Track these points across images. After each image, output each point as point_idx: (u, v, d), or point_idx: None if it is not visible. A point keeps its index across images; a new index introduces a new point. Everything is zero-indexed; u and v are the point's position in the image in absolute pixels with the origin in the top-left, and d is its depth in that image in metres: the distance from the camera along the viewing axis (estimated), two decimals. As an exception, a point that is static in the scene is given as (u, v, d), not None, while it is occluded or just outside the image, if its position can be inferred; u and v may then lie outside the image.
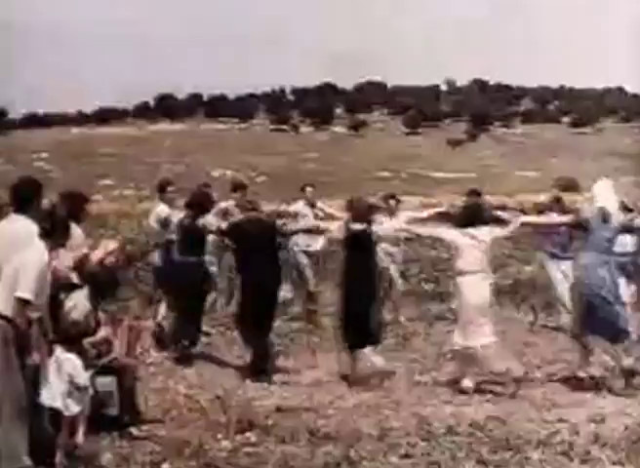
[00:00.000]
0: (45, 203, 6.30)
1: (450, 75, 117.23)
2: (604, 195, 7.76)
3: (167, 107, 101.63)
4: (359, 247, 8.17)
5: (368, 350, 8.11)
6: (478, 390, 7.71)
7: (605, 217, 7.66)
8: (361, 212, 8.31)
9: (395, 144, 75.04)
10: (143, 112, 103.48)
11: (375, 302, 8.29)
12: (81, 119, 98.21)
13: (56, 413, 5.68)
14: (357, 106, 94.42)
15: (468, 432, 6.33)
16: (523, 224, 8.40)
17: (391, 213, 10.69)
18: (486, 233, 7.82)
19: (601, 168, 58.67)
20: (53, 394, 5.66)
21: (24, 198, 5.94)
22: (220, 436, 6.28)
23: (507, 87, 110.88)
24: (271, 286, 8.54)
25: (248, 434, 6.34)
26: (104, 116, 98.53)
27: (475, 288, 7.68)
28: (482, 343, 7.68)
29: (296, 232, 9.82)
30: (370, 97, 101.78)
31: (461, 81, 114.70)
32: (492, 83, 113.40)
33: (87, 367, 5.95)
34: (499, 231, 8.00)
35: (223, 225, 8.83)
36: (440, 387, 7.93)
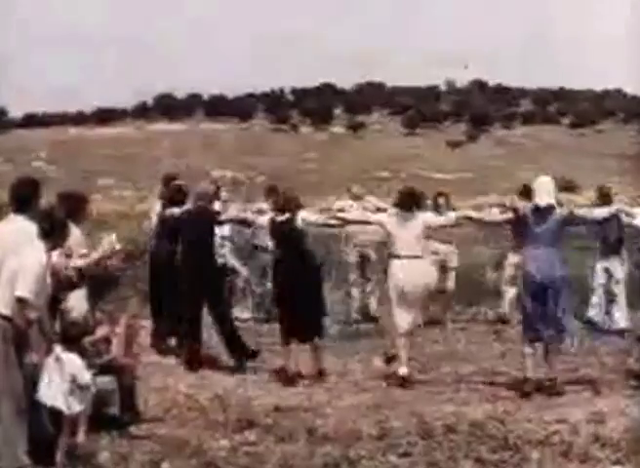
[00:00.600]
0: (44, 203, 6.30)
1: (450, 76, 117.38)
2: (542, 191, 7.77)
3: (166, 107, 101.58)
4: (285, 239, 8.20)
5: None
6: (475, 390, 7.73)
7: (542, 213, 7.64)
8: (285, 202, 8.32)
9: (394, 145, 75.02)
10: (142, 112, 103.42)
11: (311, 295, 8.15)
12: (80, 119, 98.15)
13: (56, 413, 5.67)
14: (356, 107, 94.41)
15: (468, 431, 6.33)
16: (460, 218, 8.48)
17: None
18: (419, 220, 7.99)
19: (600, 169, 58.71)
20: (53, 393, 5.65)
21: (23, 198, 5.95)
22: (219, 435, 6.28)
23: (507, 88, 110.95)
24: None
25: (247, 433, 6.34)
26: (103, 116, 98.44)
27: (407, 271, 7.86)
28: (406, 329, 7.94)
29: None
30: (369, 97, 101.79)
31: (461, 82, 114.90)
32: (491, 84, 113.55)
33: (87, 366, 5.95)
34: (432, 220, 8.19)
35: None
36: (439, 386, 7.93)
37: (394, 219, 8.07)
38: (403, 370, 7.91)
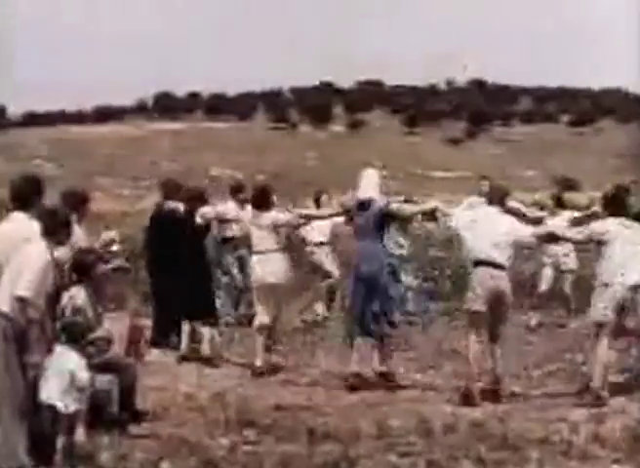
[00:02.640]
0: (45, 201, 6.29)
1: (449, 75, 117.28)
2: (365, 184, 7.92)
3: (165, 106, 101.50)
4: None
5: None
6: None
7: (365, 206, 7.79)
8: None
9: (394, 144, 74.97)
10: (142, 110, 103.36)
11: (201, 282, 8.58)
12: (80, 117, 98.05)
13: (54, 412, 5.67)
14: (356, 105, 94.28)
15: (467, 431, 6.34)
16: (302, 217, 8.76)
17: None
18: (269, 217, 8.34)
19: (600, 167, 58.69)
20: (50, 392, 5.64)
21: (24, 196, 5.94)
22: (218, 434, 6.28)
23: (506, 86, 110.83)
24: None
25: (247, 432, 6.34)
26: (103, 114, 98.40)
27: (261, 265, 8.26)
28: (262, 322, 8.28)
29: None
30: (369, 96, 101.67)
31: (460, 81, 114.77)
32: (490, 82, 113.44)
33: (87, 365, 5.94)
34: (277, 217, 8.43)
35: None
36: (439, 386, 7.93)
37: (250, 216, 8.50)
38: (258, 362, 8.23)
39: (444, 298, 11.80)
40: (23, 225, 5.77)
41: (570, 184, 41.34)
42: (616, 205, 7.48)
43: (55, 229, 5.68)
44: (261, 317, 8.36)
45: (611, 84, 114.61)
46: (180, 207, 8.88)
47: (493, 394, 7.42)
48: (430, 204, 8.39)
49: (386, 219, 7.93)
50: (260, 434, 6.31)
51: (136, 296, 11.18)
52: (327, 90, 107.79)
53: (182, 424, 6.52)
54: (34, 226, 5.67)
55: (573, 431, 6.31)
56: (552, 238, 7.91)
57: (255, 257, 8.41)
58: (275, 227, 8.35)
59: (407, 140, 79.04)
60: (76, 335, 5.87)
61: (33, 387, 5.60)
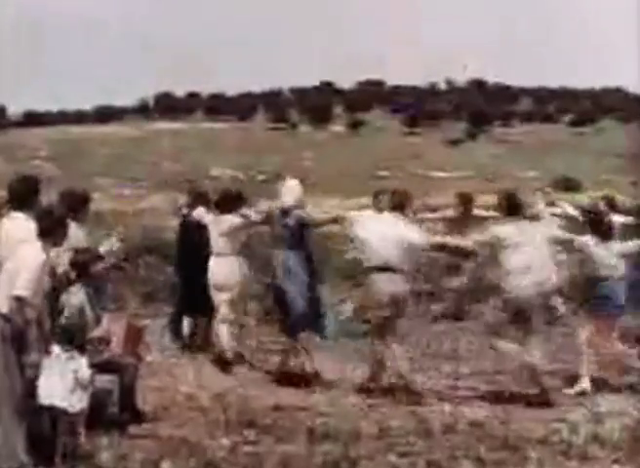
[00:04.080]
0: (43, 201, 6.30)
1: (449, 75, 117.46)
2: (285, 194, 8.23)
3: (165, 106, 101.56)
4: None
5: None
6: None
7: (285, 216, 8.12)
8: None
9: (394, 144, 74.98)
10: (142, 111, 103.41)
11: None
12: (79, 117, 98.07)
13: (54, 412, 5.66)
14: (356, 105, 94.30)
15: (467, 431, 6.34)
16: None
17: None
18: (226, 221, 8.56)
19: (600, 167, 58.70)
20: (53, 392, 5.63)
21: (23, 196, 5.94)
22: (218, 435, 6.28)
23: (506, 87, 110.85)
24: None
25: (247, 432, 6.34)
26: (103, 114, 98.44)
27: (217, 267, 8.55)
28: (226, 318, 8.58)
29: None
30: (369, 96, 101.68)
31: (460, 81, 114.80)
32: (491, 83, 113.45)
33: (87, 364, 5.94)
34: (232, 221, 8.58)
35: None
36: (439, 386, 7.93)
37: (212, 219, 8.72)
38: (229, 355, 8.46)
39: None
40: (21, 225, 5.77)
41: (570, 184, 41.37)
42: (511, 208, 7.60)
43: (50, 229, 5.67)
44: (223, 311, 8.61)
45: (611, 84, 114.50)
46: (203, 214, 9.01)
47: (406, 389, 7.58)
48: (334, 213, 8.85)
49: (305, 228, 8.25)
50: (259, 434, 6.31)
51: (135, 297, 11.18)
52: (327, 90, 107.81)
53: (182, 424, 6.52)
54: (31, 226, 5.67)
55: (572, 431, 6.31)
56: (441, 247, 8.21)
57: (212, 260, 8.67)
58: (231, 231, 8.58)
59: (407, 140, 79.03)
60: (73, 336, 5.85)
61: (32, 387, 5.59)
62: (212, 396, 7.28)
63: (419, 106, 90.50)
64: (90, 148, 70.22)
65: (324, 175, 53.58)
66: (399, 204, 7.92)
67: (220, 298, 8.59)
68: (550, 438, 6.17)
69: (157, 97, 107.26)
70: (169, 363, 8.54)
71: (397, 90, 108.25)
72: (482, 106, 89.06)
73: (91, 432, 5.94)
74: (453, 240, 8.40)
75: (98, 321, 6.44)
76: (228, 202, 8.73)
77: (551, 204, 10.40)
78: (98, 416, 6.15)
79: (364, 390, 7.64)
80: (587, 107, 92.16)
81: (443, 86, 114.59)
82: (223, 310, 8.59)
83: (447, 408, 7.09)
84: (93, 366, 6.13)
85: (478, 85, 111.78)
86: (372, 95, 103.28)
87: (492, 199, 11.70)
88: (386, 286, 7.59)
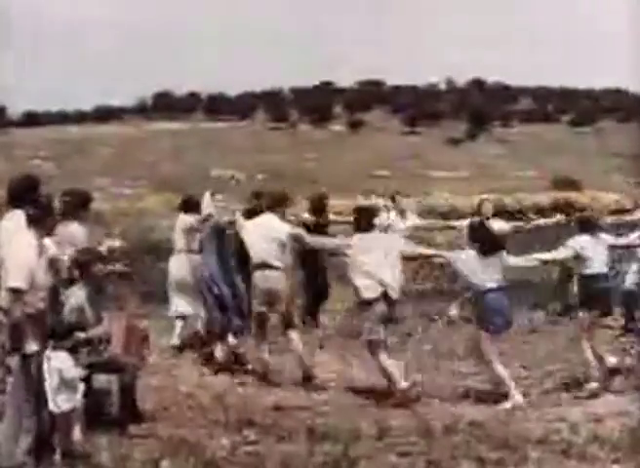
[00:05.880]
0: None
1: (449, 74, 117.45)
2: (206, 202, 8.69)
3: (165, 106, 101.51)
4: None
5: None
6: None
7: (204, 222, 8.65)
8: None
9: (394, 143, 74.97)
10: (141, 110, 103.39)
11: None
12: (79, 117, 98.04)
13: (50, 411, 5.65)
14: (356, 105, 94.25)
15: (467, 431, 6.34)
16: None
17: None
18: (183, 221, 9.23)
19: (600, 167, 58.70)
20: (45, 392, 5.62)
21: (22, 195, 5.94)
22: (219, 434, 6.28)
23: (506, 86, 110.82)
24: None
25: (247, 432, 6.34)
26: (102, 114, 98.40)
27: (173, 264, 9.31)
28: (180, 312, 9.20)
29: None
30: (369, 95, 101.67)
31: (460, 80, 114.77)
32: (491, 82, 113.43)
33: (82, 363, 5.92)
34: (185, 221, 9.18)
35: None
36: (439, 385, 7.93)
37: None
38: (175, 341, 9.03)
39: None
40: (16, 221, 5.77)
41: (570, 184, 41.37)
42: (361, 220, 7.80)
43: (39, 218, 5.65)
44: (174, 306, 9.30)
45: (611, 84, 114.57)
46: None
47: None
48: (233, 216, 8.89)
49: (220, 234, 8.62)
50: (259, 434, 6.31)
51: (135, 297, 11.18)
52: (327, 89, 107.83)
53: (182, 424, 6.51)
54: (22, 218, 5.67)
55: (572, 431, 6.31)
56: (297, 240, 8.32)
57: (171, 257, 9.41)
58: (186, 230, 9.18)
59: (407, 140, 79.04)
60: (67, 334, 5.84)
61: (35, 386, 5.58)
62: (212, 396, 7.28)
63: (418, 106, 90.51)
64: (89, 148, 70.20)
65: (324, 174, 53.60)
66: (275, 204, 8.31)
67: (176, 293, 9.25)
68: (550, 437, 6.17)
69: (157, 96, 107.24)
70: (169, 363, 8.54)
71: (397, 90, 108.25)
72: (482, 106, 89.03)
73: (91, 432, 5.94)
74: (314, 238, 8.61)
75: (98, 320, 6.43)
76: (186, 204, 9.37)
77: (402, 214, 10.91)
78: (97, 416, 6.15)
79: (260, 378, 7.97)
80: (587, 107, 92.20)
81: (443, 86, 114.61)
82: (177, 305, 9.29)
83: (447, 407, 7.08)
84: (93, 366, 6.14)
85: (478, 85, 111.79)
86: (372, 94, 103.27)
87: (490, 198, 11.74)
88: (262, 283, 8.06)
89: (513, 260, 7.77)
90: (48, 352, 5.67)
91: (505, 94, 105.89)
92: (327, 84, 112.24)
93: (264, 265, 8.03)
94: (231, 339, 8.56)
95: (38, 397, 5.58)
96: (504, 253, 7.72)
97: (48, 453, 5.60)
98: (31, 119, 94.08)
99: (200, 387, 7.61)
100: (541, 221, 11.85)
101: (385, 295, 7.47)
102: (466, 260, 7.55)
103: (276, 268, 8.03)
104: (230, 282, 8.48)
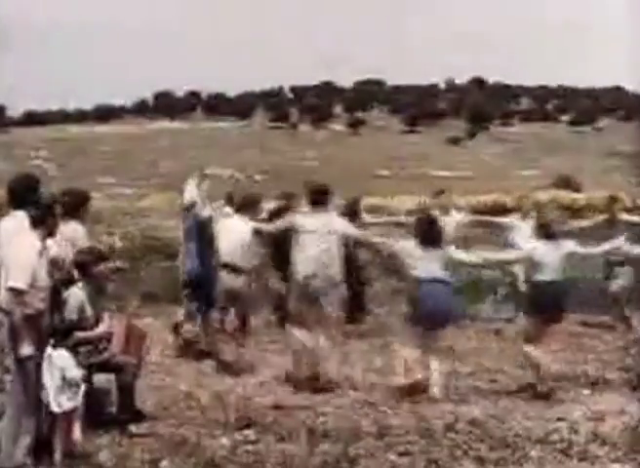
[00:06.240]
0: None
1: (449, 74, 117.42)
2: (185, 191, 8.62)
3: (165, 105, 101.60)
4: None
5: None
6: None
7: (187, 212, 8.60)
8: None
9: (394, 143, 75.01)
10: (142, 110, 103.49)
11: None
12: (79, 116, 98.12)
13: (50, 411, 5.65)
14: (356, 104, 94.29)
15: (467, 430, 6.33)
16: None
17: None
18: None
19: (600, 166, 58.74)
20: (44, 391, 5.62)
21: (22, 195, 5.93)
22: (218, 434, 6.28)
23: (506, 86, 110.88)
24: None
25: (247, 432, 6.33)
26: (103, 113, 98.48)
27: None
28: None
29: None
30: (369, 95, 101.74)
31: (460, 80, 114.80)
32: (491, 82, 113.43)
33: (82, 363, 5.92)
34: None
35: None
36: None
37: None
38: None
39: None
40: (19, 222, 5.76)
41: (570, 184, 41.36)
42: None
43: (42, 218, 5.65)
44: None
45: (611, 83, 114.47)
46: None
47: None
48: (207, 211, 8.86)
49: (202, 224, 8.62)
50: (260, 433, 6.31)
51: (136, 297, 11.18)
52: (327, 89, 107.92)
53: (182, 424, 6.51)
54: (25, 219, 5.66)
55: (572, 430, 6.31)
56: (257, 233, 8.35)
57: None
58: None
59: (407, 140, 79.10)
60: (68, 334, 5.84)
61: (34, 387, 5.58)
62: (212, 395, 7.28)
63: (419, 106, 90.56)
64: (90, 147, 70.25)
65: (324, 174, 53.60)
66: (246, 206, 8.44)
67: None
68: (550, 436, 6.17)
69: (157, 95, 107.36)
70: (169, 362, 8.54)
71: (397, 90, 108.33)
72: (482, 106, 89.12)
73: (91, 432, 5.94)
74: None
75: (98, 320, 6.43)
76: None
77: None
78: (97, 416, 6.15)
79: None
80: (587, 106, 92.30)
81: (443, 86, 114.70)
82: None
83: (447, 406, 7.08)
84: (92, 365, 6.14)
85: (478, 84, 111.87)
86: (372, 94, 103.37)
87: (490, 198, 11.73)
88: (225, 282, 8.26)
89: (457, 255, 7.58)
90: (49, 351, 5.67)
91: (505, 93, 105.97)
92: (327, 84, 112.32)
93: (228, 265, 8.19)
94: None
95: (37, 397, 5.57)
96: (452, 246, 7.64)
97: (48, 453, 5.60)
98: (32, 119, 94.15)
99: (200, 387, 7.61)
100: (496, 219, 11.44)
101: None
102: (408, 249, 7.44)
103: (239, 269, 8.18)
104: (206, 268, 8.52)
